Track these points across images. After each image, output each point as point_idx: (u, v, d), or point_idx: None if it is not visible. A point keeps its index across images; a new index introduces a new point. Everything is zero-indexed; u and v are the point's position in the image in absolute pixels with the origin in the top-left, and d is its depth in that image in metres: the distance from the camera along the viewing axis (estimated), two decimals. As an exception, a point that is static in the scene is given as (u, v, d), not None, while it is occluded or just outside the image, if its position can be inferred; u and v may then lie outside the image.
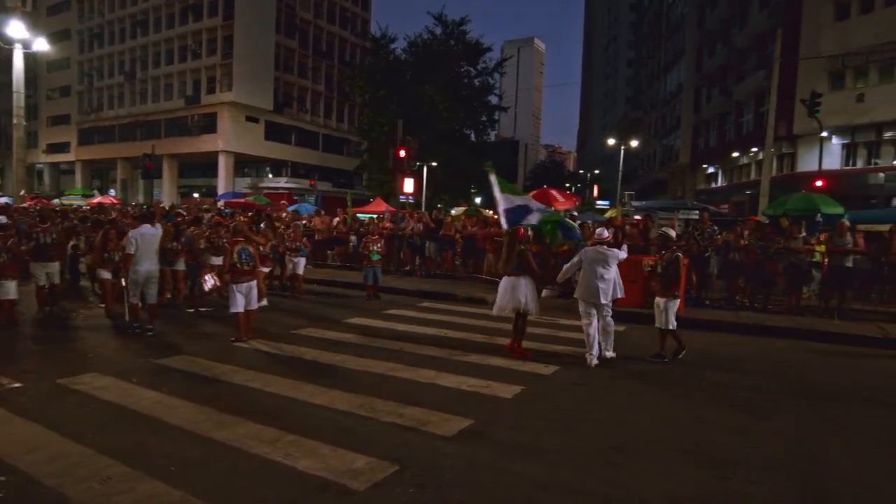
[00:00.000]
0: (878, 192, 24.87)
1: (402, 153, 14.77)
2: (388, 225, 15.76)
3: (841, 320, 9.48)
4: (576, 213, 14.34)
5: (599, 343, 6.77)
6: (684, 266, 7.03)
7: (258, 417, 4.74)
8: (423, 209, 26.99)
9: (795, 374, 6.58)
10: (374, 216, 20.09)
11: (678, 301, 7.04)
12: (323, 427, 4.62)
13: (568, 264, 7.37)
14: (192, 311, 9.10)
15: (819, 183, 19.80)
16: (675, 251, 7.07)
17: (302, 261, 11.29)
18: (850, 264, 9.86)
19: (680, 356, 7.06)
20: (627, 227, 12.18)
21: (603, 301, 6.78)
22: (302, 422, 4.71)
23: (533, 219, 7.54)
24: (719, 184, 38.74)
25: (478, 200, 56.94)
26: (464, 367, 6.41)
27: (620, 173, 37.32)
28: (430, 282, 13.41)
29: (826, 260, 10.36)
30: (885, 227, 11.46)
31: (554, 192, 15.97)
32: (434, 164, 32.21)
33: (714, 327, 9.00)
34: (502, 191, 7.85)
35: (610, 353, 6.97)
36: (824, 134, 21.68)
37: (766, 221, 14.89)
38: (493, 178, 7.86)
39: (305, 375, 5.93)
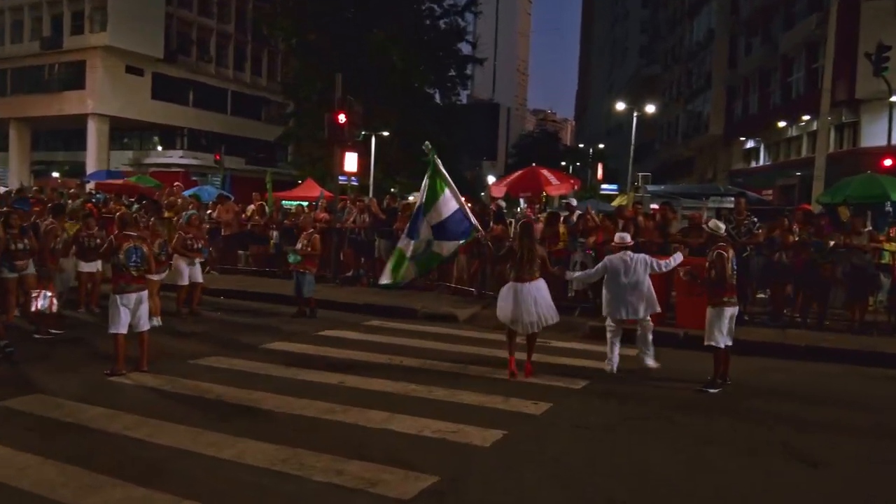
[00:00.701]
0: (962, 172, 26.09)
1: (342, 119, 14.72)
2: (322, 216, 15.70)
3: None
4: (573, 201, 14.57)
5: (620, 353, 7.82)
6: (727, 260, 7.46)
7: (142, 479, 4.64)
8: (370, 194, 27.04)
9: (858, 410, 6.85)
10: (305, 204, 19.98)
11: (728, 309, 7.44)
12: (232, 491, 4.55)
13: (586, 272, 8.11)
14: (39, 336, 8.86)
15: (888, 162, 20.66)
16: (715, 248, 7.58)
17: (197, 266, 11.18)
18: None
19: (711, 390, 7.35)
20: (640, 220, 12.46)
21: (634, 317, 7.90)
22: (203, 484, 4.62)
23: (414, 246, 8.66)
24: (761, 162, 40.03)
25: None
26: (426, 405, 6.45)
27: (633, 148, 38.09)
28: (381, 293, 13.42)
29: (899, 261, 10.83)
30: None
31: (545, 173, 16.24)
32: (385, 133, 32.29)
33: (754, 350, 9.27)
34: (432, 194, 8.63)
35: (651, 362, 8.02)
36: (894, 98, 22.65)
37: (822, 211, 15.49)
38: (430, 171, 8.83)
39: (209, 420, 5.85)
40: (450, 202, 8.77)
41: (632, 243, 8.27)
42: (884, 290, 11.43)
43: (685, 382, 7.71)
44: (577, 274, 8.78)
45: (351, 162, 18.64)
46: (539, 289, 7.76)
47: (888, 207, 14.76)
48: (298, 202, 21.21)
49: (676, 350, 9.21)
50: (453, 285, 13.65)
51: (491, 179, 60.14)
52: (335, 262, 14.80)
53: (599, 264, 8.23)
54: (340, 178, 17.90)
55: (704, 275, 7.63)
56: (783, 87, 34.88)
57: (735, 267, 7.60)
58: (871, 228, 11.71)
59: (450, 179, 9.00)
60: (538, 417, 6.22)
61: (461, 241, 9.10)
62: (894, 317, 10.68)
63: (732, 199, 15.76)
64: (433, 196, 8.74)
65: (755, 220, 11.34)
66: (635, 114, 37.21)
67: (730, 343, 7.64)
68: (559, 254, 11.51)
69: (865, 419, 6.54)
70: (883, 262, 11.30)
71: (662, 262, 8.19)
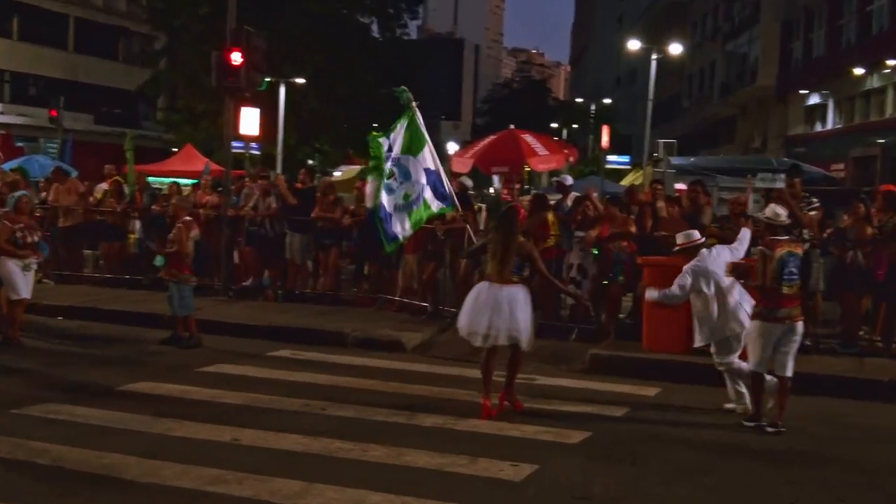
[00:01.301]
0: None
1: (237, 59, 14.59)
2: (208, 199, 15.56)
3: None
4: (568, 179, 14.70)
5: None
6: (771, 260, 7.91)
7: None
8: (279, 169, 26.88)
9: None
10: (183, 182, 19.77)
11: (771, 325, 7.91)
12: None
13: (670, 291, 8.43)
14: None
15: None
16: (762, 244, 8.05)
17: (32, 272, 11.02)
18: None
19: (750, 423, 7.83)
20: (661, 205, 12.65)
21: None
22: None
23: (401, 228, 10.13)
24: (829, 125, 41.03)
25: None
26: (359, 470, 6.44)
27: (650, 106, 38.64)
28: (295, 309, 13.54)
29: None
30: None
31: (529, 140, 16.38)
32: (300, 81, 32.37)
33: (818, 386, 9.46)
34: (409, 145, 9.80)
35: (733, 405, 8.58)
36: None
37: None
38: (405, 121, 10.39)
39: (41, 497, 5.77)
40: (429, 162, 9.64)
41: (702, 240, 8.75)
42: None
43: (714, 429, 7.88)
44: (657, 293, 8.79)
45: (250, 122, 18.53)
46: (515, 298, 8.04)
47: None
48: (173, 179, 20.95)
49: (711, 388, 9.38)
50: (398, 298, 13.68)
51: (453, 148, 60.40)
52: (227, 265, 14.76)
53: (688, 277, 8.36)
54: (235, 144, 17.81)
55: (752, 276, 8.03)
56: (860, 20, 35.75)
57: (792, 270, 7.89)
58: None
59: (428, 138, 10.09)
60: (518, 486, 6.24)
61: (442, 208, 10.35)
62: None
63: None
64: (417, 145, 10.01)
65: (815, 202, 11.60)
66: (654, 57, 37.67)
67: (786, 374, 7.96)
68: (548, 253, 11.65)
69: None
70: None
71: (735, 247, 8.81)
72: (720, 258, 8.51)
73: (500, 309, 8.01)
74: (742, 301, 8.40)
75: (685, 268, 8.47)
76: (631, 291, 12.01)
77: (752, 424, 8.02)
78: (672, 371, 10.15)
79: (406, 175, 10.31)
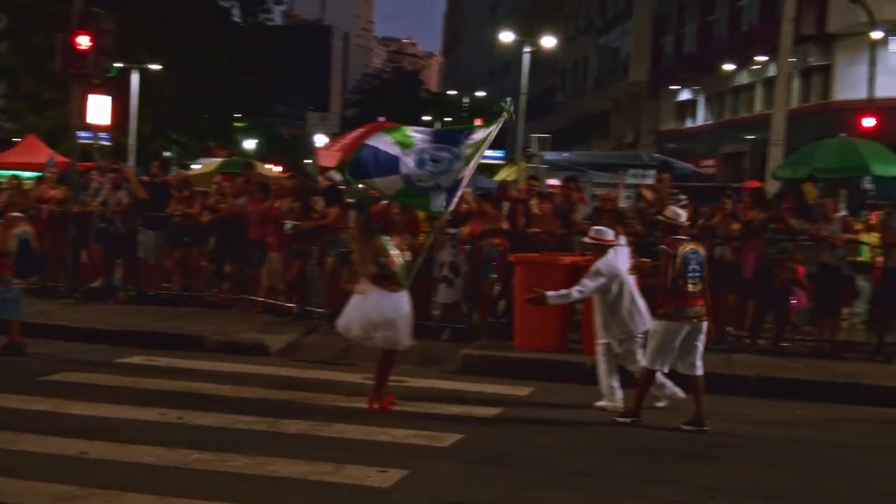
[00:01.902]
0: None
1: (85, 42, 14.14)
2: (53, 193, 15.00)
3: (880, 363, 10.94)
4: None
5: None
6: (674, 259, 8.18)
7: None
8: (131, 162, 26.15)
9: (832, 471, 7.44)
10: (25, 175, 19.01)
11: (675, 323, 8.20)
12: None
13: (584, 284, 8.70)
14: None
15: (869, 121, 22.54)
16: (663, 243, 8.32)
17: None
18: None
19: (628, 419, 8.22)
20: (534, 202, 12.88)
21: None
22: None
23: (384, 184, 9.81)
24: (699, 121, 42.67)
25: (249, 145, 56.54)
26: (218, 482, 6.34)
27: (524, 99, 39.26)
28: (149, 312, 13.25)
29: (880, 259, 11.82)
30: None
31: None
32: (155, 68, 31.78)
33: (680, 383, 9.81)
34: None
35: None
36: (877, 34, 24.79)
37: (780, 190, 16.70)
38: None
39: None
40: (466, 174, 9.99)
41: (614, 242, 8.99)
42: (862, 298, 12.46)
43: (588, 428, 8.07)
44: (582, 288, 8.90)
45: (100, 110, 18.00)
46: (402, 303, 8.41)
47: (867, 184, 16.11)
48: (13, 172, 20.09)
49: (584, 387, 9.59)
50: (262, 299, 13.50)
51: (320, 141, 59.95)
52: (73, 265, 14.34)
53: (604, 271, 8.63)
54: (83, 134, 17.22)
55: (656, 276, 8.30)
56: (731, 16, 37.28)
57: (694, 267, 8.15)
58: (845, 213, 12.71)
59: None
60: (386, 492, 6.24)
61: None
62: (876, 334, 11.68)
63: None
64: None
65: (683, 198, 12.03)
66: (527, 50, 38.28)
67: (698, 373, 8.26)
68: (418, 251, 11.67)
69: (856, 495, 7.11)
70: (860, 259, 12.31)
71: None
72: (623, 257, 8.83)
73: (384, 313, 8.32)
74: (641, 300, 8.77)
75: (598, 266, 8.68)
76: (504, 289, 12.19)
77: (627, 420, 8.29)
78: (545, 370, 10.36)
79: (438, 170, 10.02)
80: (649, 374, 8.35)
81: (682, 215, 8.58)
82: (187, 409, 8.25)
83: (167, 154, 33.19)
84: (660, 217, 8.72)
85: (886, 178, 15.75)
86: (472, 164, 10.11)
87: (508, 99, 10.68)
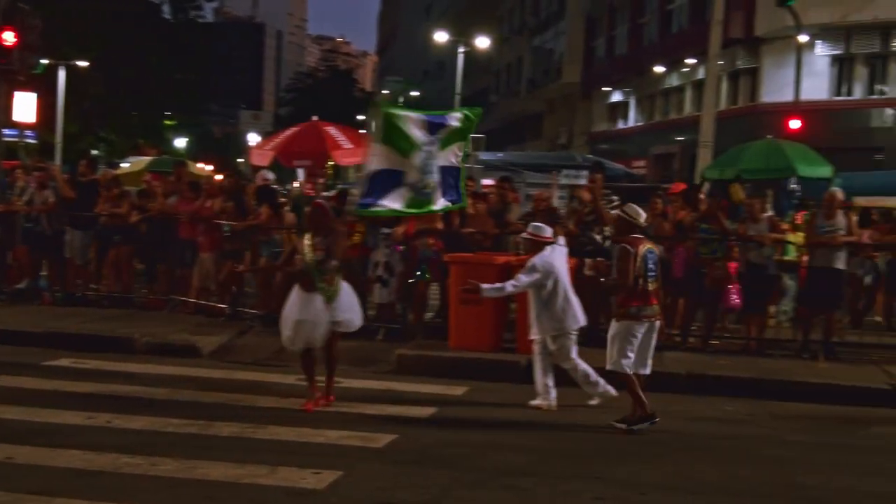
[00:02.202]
0: (886, 139, 29.87)
1: (10, 38, 13.86)
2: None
3: (829, 362, 11.19)
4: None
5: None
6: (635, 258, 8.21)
7: None
8: (57, 160, 25.60)
9: (761, 466, 7.58)
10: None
11: (638, 324, 8.22)
12: None
13: (519, 278, 8.78)
14: None
15: (796, 123, 23.12)
16: (622, 242, 8.35)
17: None
18: (841, 265, 11.65)
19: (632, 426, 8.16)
20: (469, 202, 12.91)
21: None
22: None
23: (394, 201, 9.67)
24: (631, 123, 43.24)
25: (180, 143, 55.86)
26: (149, 486, 6.26)
27: (458, 99, 39.44)
28: (76, 314, 13.03)
29: (805, 258, 12.11)
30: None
31: (334, 132, 16.36)
32: (83, 64, 31.07)
33: (613, 380, 9.90)
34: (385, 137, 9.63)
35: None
36: (803, 38, 25.42)
37: (709, 191, 16.98)
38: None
39: None
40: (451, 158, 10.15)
41: (551, 239, 9.07)
42: (788, 296, 12.76)
43: (523, 427, 8.13)
44: (516, 283, 8.98)
45: (26, 107, 17.65)
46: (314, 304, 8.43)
47: (793, 185, 16.47)
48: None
49: (518, 385, 9.66)
50: (194, 300, 13.34)
51: (253, 140, 59.42)
52: (-1, 266, 14.01)
53: (535, 273, 8.73)
54: (7, 132, 16.85)
55: (615, 276, 8.36)
56: (661, 19, 37.85)
57: (651, 266, 8.22)
58: (771, 213, 12.98)
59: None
60: (320, 494, 6.21)
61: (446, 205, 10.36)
62: (801, 332, 11.95)
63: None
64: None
65: (615, 199, 12.19)
66: (461, 50, 38.45)
67: (647, 371, 8.38)
68: (353, 251, 11.64)
69: (782, 490, 7.26)
70: (787, 258, 12.60)
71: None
72: (560, 256, 8.94)
73: (317, 315, 8.41)
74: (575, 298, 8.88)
75: (533, 262, 8.76)
76: (439, 289, 12.23)
77: (644, 426, 8.15)
78: (479, 369, 10.40)
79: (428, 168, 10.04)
80: (628, 377, 8.26)
81: (642, 214, 8.58)
82: (116, 413, 8.15)
83: (95, 152, 32.59)
84: (620, 215, 8.65)
85: (811, 179, 16.12)
86: (450, 154, 10.19)
87: (382, 100, 10.71)
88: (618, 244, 8.45)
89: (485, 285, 8.95)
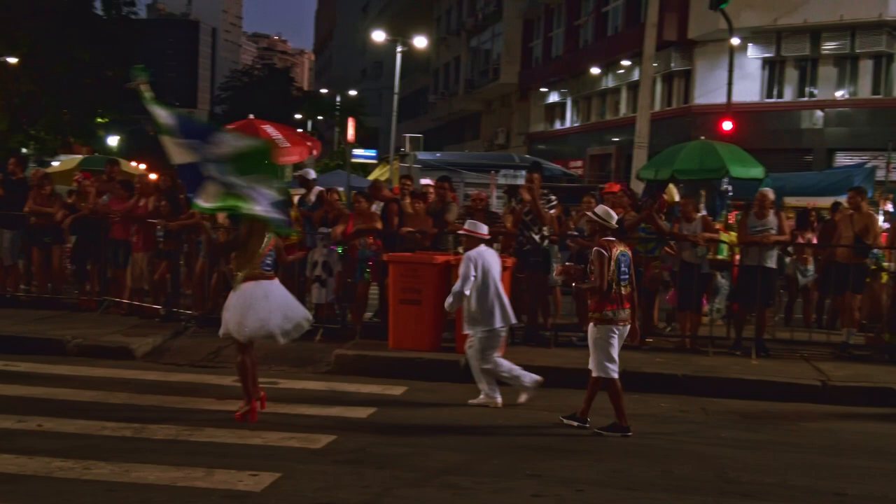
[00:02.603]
0: (815, 141, 30.63)
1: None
2: None
3: (761, 359, 11.42)
4: (311, 173, 14.71)
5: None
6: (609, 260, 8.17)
7: None
8: (-14, 158, 25.04)
9: (695, 462, 7.72)
10: None
11: (616, 327, 8.21)
12: None
13: (457, 291, 8.86)
14: None
15: (727, 125, 23.58)
16: (597, 244, 8.26)
17: None
18: (772, 264, 11.89)
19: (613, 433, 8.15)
20: (407, 201, 12.94)
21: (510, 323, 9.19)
22: None
23: (207, 196, 8.27)
24: (568, 124, 43.59)
25: (112, 141, 54.93)
26: (81, 490, 6.15)
27: (397, 99, 39.40)
28: (5, 315, 12.76)
29: (737, 257, 12.34)
30: (827, 202, 14.07)
31: (269, 130, 16.18)
32: (12, 60, 30.49)
33: (557, 379, 10.04)
34: (166, 129, 8.46)
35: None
36: (735, 41, 25.92)
37: (645, 191, 17.23)
38: (148, 99, 8.60)
39: None
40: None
41: (488, 237, 9.28)
42: (721, 294, 13.01)
43: (463, 427, 8.18)
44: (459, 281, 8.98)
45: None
46: (275, 290, 8.29)
47: (726, 185, 16.77)
48: None
49: (458, 384, 9.70)
50: (127, 301, 13.14)
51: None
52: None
53: (463, 265, 8.85)
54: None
55: (589, 279, 8.26)
56: (597, 21, 38.23)
57: (624, 269, 8.18)
58: (704, 213, 13.20)
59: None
60: (258, 497, 6.18)
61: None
62: (734, 328, 12.17)
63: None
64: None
65: (553, 199, 12.30)
66: (399, 49, 38.41)
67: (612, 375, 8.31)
68: (290, 250, 11.55)
69: (722, 486, 7.39)
70: (720, 257, 12.84)
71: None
72: (492, 254, 9.10)
73: (261, 303, 8.14)
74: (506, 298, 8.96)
75: (466, 253, 8.93)
76: (378, 289, 12.22)
77: (618, 434, 8.13)
78: (418, 369, 10.43)
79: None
80: (611, 383, 8.21)
81: (614, 216, 8.56)
82: (48, 416, 8.01)
83: (25, 150, 31.92)
84: (592, 217, 8.58)
85: (743, 180, 16.43)
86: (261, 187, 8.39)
87: (142, 67, 9.18)
88: (595, 248, 8.29)
89: (446, 302, 9.07)
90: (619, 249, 8.23)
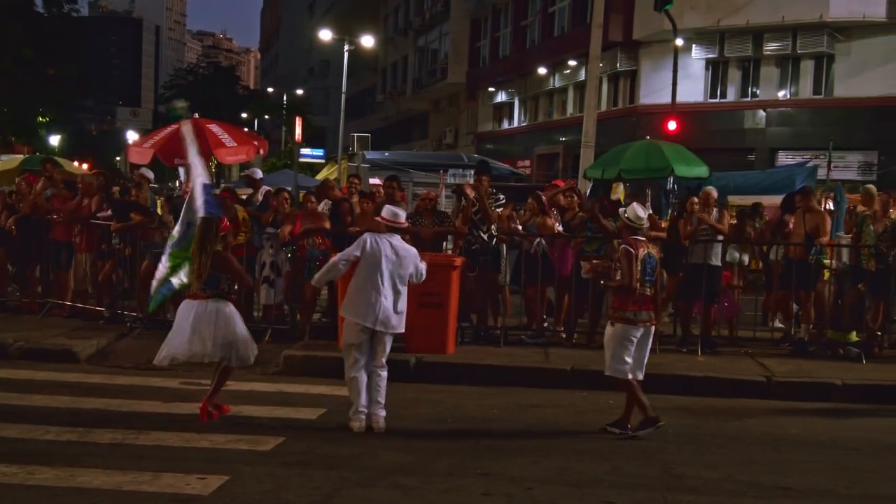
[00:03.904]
0: (758, 140, 31.14)
1: None
2: None
3: (707, 355, 11.58)
4: (257, 173, 14.63)
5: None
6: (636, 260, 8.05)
7: None
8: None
9: (642, 458, 7.82)
10: None
11: (634, 328, 8.10)
12: None
13: (332, 262, 8.29)
14: None
15: (672, 125, 23.89)
16: (623, 243, 8.18)
17: None
18: (717, 261, 12.06)
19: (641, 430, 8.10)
20: (355, 200, 12.93)
21: (383, 329, 8.15)
22: None
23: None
24: (515, 123, 43.81)
25: (54, 141, 54.08)
26: (25, 495, 6.10)
27: (344, 98, 39.26)
28: None
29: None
30: (771, 201, 14.25)
31: (216, 130, 16.03)
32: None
33: (510, 378, 10.17)
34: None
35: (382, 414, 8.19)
36: (679, 41, 26.27)
37: (592, 189, 17.41)
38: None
39: None
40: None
41: (405, 224, 8.74)
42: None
43: (411, 427, 8.21)
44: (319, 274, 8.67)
45: None
46: (223, 312, 8.05)
47: (670, 185, 17.00)
48: None
49: (408, 384, 9.71)
50: (70, 303, 12.94)
51: (132, 137, 57.95)
52: None
53: (354, 247, 8.19)
54: None
55: (613, 277, 8.19)
56: (543, 22, 38.47)
57: (650, 271, 8.10)
58: (650, 212, 13.36)
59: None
60: (206, 500, 6.16)
61: None
62: (681, 326, 12.33)
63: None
64: None
65: (501, 198, 12.36)
66: (347, 48, 38.32)
67: (641, 377, 8.27)
68: (239, 251, 11.47)
69: (669, 481, 7.48)
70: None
71: (424, 267, 8.48)
72: (392, 248, 8.26)
73: (204, 324, 7.96)
74: (399, 301, 8.26)
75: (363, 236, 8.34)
76: (327, 289, 12.16)
77: (650, 430, 8.08)
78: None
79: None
80: (627, 382, 8.16)
81: (644, 216, 8.44)
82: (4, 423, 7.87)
83: (-38, 150, 31.27)
84: (623, 217, 8.36)
85: (688, 179, 16.67)
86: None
87: (181, 100, 9.73)
88: (621, 246, 8.21)
89: (315, 277, 8.82)
90: (646, 250, 8.13)
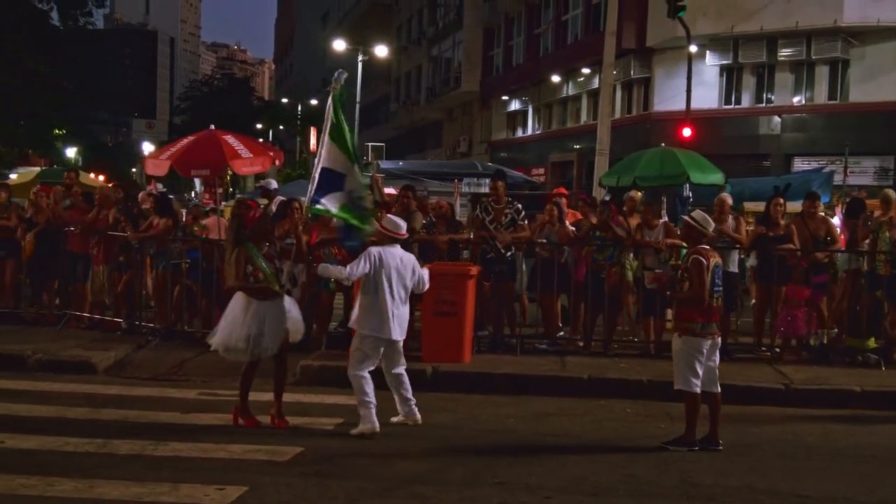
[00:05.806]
0: (773, 146, 31.04)
1: None
2: None
3: (724, 362, 11.51)
4: (272, 183, 14.71)
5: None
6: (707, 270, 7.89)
7: None
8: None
9: (659, 466, 7.81)
10: None
11: (703, 340, 7.95)
12: None
13: (343, 273, 8.37)
14: None
15: (687, 132, 23.82)
16: (693, 252, 8.03)
17: None
18: (734, 269, 12.00)
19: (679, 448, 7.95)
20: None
21: (399, 337, 8.41)
22: None
23: (331, 203, 9.24)
24: (529, 131, 43.76)
25: (70, 153, 54.37)
26: (44, 509, 6.08)
27: (358, 107, 39.39)
28: None
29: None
30: (792, 206, 14.16)
31: (231, 141, 16.11)
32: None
33: (527, 386, 10.15)
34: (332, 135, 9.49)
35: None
36: (693, 48, 26.23)
37: (607, 198, 17.31)
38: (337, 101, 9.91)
39: None
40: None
41: (405, 236, 8.82)
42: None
43: (433, 438, 8.20)
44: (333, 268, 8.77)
45: None
46: (280, 309, 8.46)
47: (687, 192, 16.94)
48: None
49: (424, 393, 9.72)
50: (88, 315, 13.01)
51: (147, 149, 58.25)
52: None
53: (363, 260, 8.27)
54: None
55: (680, 287, 8.04)
56: (556, 30, 38.44)
57: (717, 281, 7.96)
58: (666, 220, 13.31)
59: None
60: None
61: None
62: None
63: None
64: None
65: (520, 207, 12.37)
66: (360, 58, 38.43)
67: (717, 389, 8.16)
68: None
69: (687, 490, 7.47)
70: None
71: (426, 274, 8.74)
72: (398, 258, 8.43)
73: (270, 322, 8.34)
74: (406, 307, 8.53)
75: (369, 249, 8.45)
76: (343, 299, 12.19)
77: (684, 449, 7.94)
78: (383, 379, 10.36)
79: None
80: (694, 397, 8.00)
81: (711, 223, 8.33)
82: (9, 433, 7.88)
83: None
84: (689, 222, 8.27)
85: (703, 186, 16.62)
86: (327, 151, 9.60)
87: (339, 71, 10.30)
88: (690, 255, 8.07)
89: (322, 265, 9.07)
90: (715, 260, 8.00)
